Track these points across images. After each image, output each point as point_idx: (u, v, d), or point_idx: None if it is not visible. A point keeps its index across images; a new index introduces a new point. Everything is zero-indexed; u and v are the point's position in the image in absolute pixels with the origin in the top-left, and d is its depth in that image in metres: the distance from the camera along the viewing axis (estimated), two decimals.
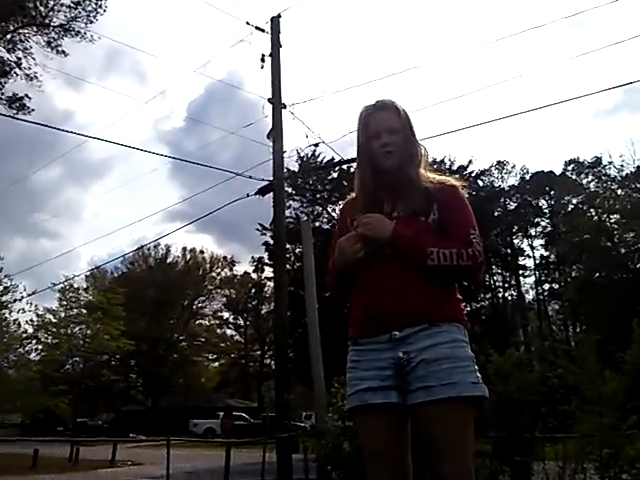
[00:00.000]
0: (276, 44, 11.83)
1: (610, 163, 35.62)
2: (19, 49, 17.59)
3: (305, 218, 21.08)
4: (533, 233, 44.33)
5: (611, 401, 5.45)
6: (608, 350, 6.28)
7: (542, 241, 43.93)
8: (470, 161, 30.34)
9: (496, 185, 41.73)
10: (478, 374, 2.00)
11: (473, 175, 30.07)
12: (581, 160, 39.97)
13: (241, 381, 49.82)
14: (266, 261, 31.17)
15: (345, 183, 22.83)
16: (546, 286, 43.86)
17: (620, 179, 34.48)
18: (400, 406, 1.99)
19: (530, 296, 44.48)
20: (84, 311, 30.08)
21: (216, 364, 52.41)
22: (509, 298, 42.96)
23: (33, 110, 18.02)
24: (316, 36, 50.40)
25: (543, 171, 42.57)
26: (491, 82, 64.60)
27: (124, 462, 17.57)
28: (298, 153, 22.65)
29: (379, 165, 2.15)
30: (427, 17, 61.17)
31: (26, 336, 26.68)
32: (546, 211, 43.88)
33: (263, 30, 12.01)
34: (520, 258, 43.17)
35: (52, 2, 17.45)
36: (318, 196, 26.81)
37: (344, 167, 22.46)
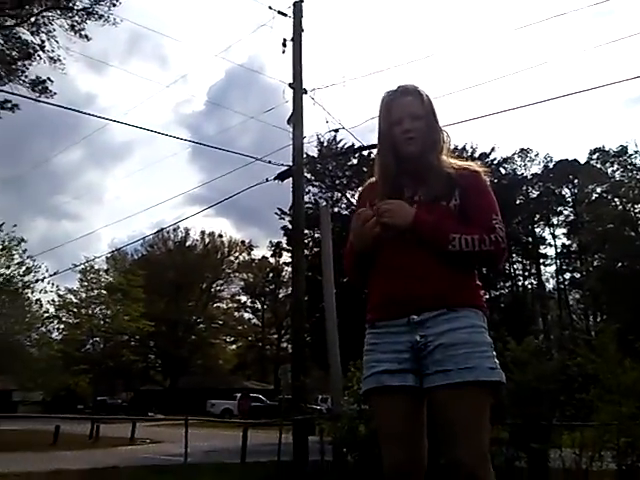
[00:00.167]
0: (298, 29, 11.78)
1: (636, 152, 34.96)
2: (43, 32, 17.64)
3: (324, 203, 21.06)
4: (555, 222, 43.89)
5: (631, 390, 5.44)
6: (629, 340, 6.23)
7: (564, 230, 43.52)
8: (493, 148, 29.92)
9: (519, 173, 41.23)
10: (496, 360, 1.99)
11: (495, 163, 29.66)
12: (606, 149, 39.31)
13: (258, 364, 50.24)
14: (284, 246, 31.22)
15: (365, 169, 22.69)
16: (567, 275, 43.49)
17: None
18: (417, 389, 2.00)
19: (550, 285, 44.23)
20: (104, 292, 30.46)
21: (233, 346, 52.98)
22: (529, 286, 42.64)
23: (56, 93, 18.07)
24: (338, 21, 49.87)
25: (567, 159, 41.98)
26: (516, 69, 63.43)
27: (143, 440, 17.87)
28: (318, 138, 22.48)
29: (401, 151, 2.12)
30: (453, 2, 60.25)
31: (47, 316, 26.99)
32: (569, 200, 43.29)
33: (285, 14, 11.99)
34: (541, 247, 42.75)
35: None
36: (337, 182, 26.68)
37: (364, 153, 22.35)
